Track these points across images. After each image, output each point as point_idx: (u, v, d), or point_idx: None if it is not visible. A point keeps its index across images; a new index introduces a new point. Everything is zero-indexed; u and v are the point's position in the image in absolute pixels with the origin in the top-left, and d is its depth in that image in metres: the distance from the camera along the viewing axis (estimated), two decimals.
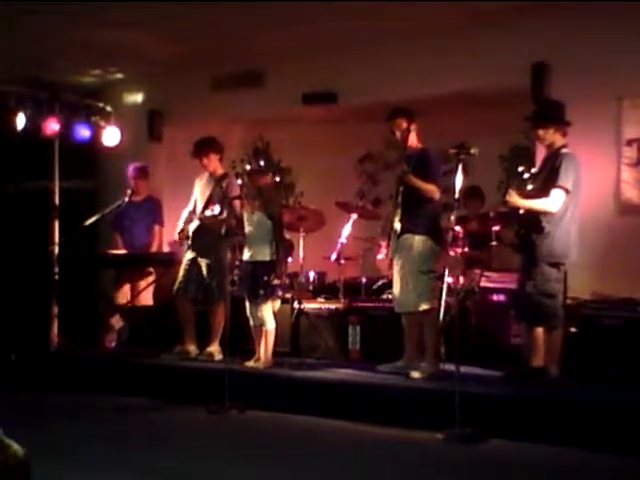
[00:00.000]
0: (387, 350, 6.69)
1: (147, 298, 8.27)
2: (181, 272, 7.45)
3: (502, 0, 6.62)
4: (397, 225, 6.25)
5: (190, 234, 7.37)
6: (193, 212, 7.48)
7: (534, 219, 5.74)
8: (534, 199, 5.79)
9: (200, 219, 7.30)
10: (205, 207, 7.31)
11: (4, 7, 6.74)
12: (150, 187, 8.54)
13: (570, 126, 5.90)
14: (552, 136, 5.86)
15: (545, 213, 5.70)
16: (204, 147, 7.38)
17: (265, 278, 6.75)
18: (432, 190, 6.14)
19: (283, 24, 7.38)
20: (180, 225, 7.49)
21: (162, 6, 6.86)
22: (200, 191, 7.47)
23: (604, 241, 6.58)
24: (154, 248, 8.37)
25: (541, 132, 5.90)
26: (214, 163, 7.40)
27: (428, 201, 6.18)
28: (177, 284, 7.45)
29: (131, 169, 8.38)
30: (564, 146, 5.86)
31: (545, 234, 5.71)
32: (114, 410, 6.60)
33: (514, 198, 5.73)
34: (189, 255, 7.42)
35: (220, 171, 7.44)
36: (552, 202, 5.69)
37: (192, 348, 7.44)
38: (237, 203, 6.99)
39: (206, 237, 7.26)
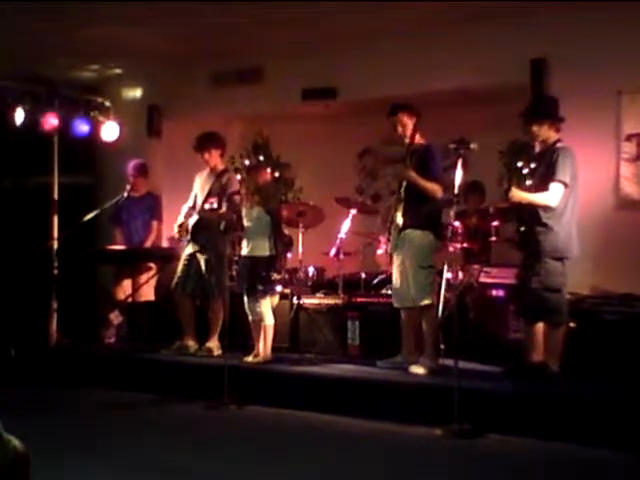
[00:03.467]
0: (386, 345, 6.69)
1: (148, 293, 8.27)
2: (180, 267, 7.45)
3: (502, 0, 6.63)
4: (399, 220, 6.24)
5: (190, 229, 7.37)
6: (193, 207, 7.47)
7: (535, 215, 5.74)
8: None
9: (199, 213, 7.29)
10: (204, 202, 7.31)
11: (3, 3, 6.72)
12: (149, 183, 8.53)
13: (564, 121, 5.90)
14: (546, 132, 5.86)
15: (545, 208, 5.70)
16: (206, 142, 7.37)
17: (264, 273, 6.75)
18: (434, 189, 6.12)
19: (283, 20, 7.37)
20: (179, 220, 7.49)
21: (162, 3, 6.84)
22: (200, 186, 7.47)
23: (603, 236, 6.59)
24: (149, 243, 8.37)
25: (535, 128, 5.89)
26: (215, 158, 7.39)
27: (431, 197, 6.18)
28: (175, 279, 7.45)
29: (130, 166, 8.38)
30: (558, 141, 5.86)
31: (548, 229, 5.71)
32: (113, 405, 6.61)
33: (515, 192, 5.73)
34: (188, 250, 7.42)
35: (221, 167, 7.45)
36: (551, 196, 5.69)
37: (191, 343, 7.44)
38: (236, 198, 6.99)
39: (205, 232, 7.26)
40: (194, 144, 7.41)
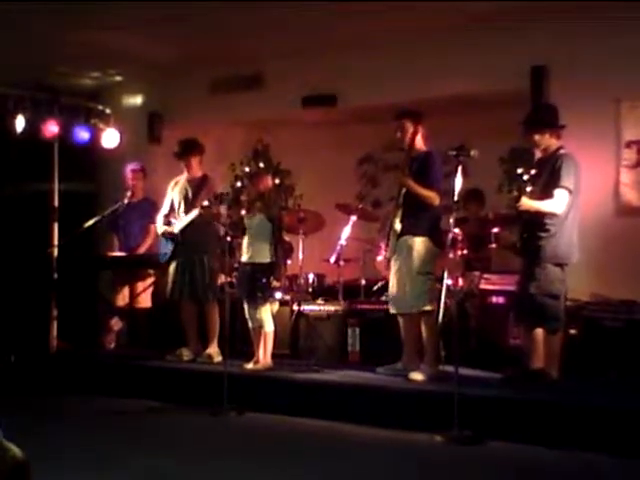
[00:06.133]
0: (386, 352, 6.67)
1: (146, 300, 8.26)
2: (171, 274, 7.42)
3: (502, 0, 6.63)
4: (397, 226, 6.25)
5: (177, 234, 7.36)
6: (168, 215, 7.48)
7: (538, 221, 5.74)
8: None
9: (201, 210, 7.24)
10: (192, 206, 7.29)
11: (4, 8, 6.73)
12: (147, 188, 8.53)
13: (564, 129, 5.90)
14: (547, 140, 5.88)
15: (551, 215, 5.70)
16: (190, 149, 7.43)
17: (264, 280, 6.75)
18: (431, 197, 6.14)
19: (283, 26, 7.38)
20: (161, 228, 7.49)
21: (162, 8, 6.86)
22: (178, 193, 7.47)
23: (603, 243, 6.58)
24: (146, 247, 8.34)
25: (537, 137, 5.90)
26: (194, 165, 7.44)
27: (428, 204, 6.18)
28: (169, 286, 7.42)
29: (128, 169, 8.38)
30: (560, 148, 5.86)
31: (550, 235, 5.71)
32: (113, 412, 6.59)
33: (525, 201, 5.71)
34: (178, 255, 7.39)
35: (199, 172, 7.48)
36: (557, 203, 5.69)
37: (194, 349, 7.43)
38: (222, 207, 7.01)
39: (194, 236, 7.27)
40: (177, 151, 7.46)
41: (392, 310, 6.36)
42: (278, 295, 6.98)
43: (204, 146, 7.55)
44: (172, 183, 7.58)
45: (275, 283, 6.80)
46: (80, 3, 6.67)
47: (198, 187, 7.35)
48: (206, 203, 7.08)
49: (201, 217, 7.21)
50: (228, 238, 6.73)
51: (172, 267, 7.43)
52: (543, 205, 5.72)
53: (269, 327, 6.82)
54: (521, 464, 4.90)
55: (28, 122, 7.91)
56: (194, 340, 7.49)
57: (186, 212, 7.32)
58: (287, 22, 7.23)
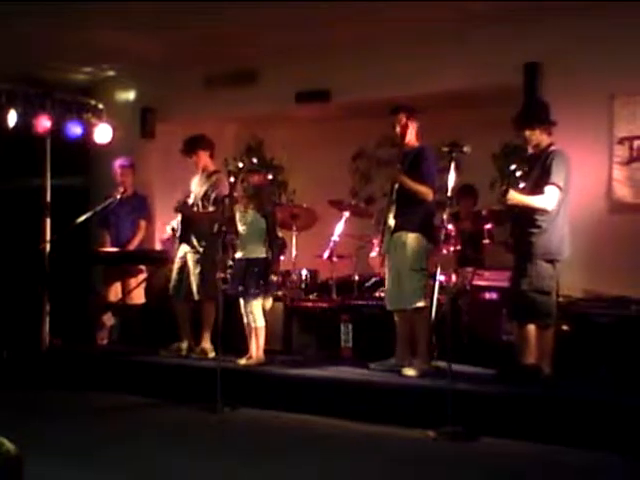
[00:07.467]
0: (379, 348, 6.68)
1: (138, 296, 8.25)
2: (174, 272, 7.44)
3: (496, 0, 6.64)
4: (391, 222, 6.25)
5: (179, 229, 7.37)
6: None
7: (529, 217, 5.75)
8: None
9: (176, 209, 7.29)
10: (184, 200, 7.33)
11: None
12: (137, 182, 8.50)
13: (555, 125, 5.91)
14: (538, 136, 5.88)
15: (542, 211, 5.71)
16: (193, 145, 7.43)
17: (258, 275, 6.74)
18: (425, 192, 6.14)
19: (277, 22, 7.37)
20: (173, 223, 7.51)
21: (155, 5, 6.84)
22: (195, 188, 7.49)
23: (596, 239, 6.60)
24: (136, 242, 8.33)
25: (528, 133, 5.90)
26: (204, 160, 7.44)
27: (422, 200, 6.19)
28: (172, 284, 7.43)
29: (117, 165, 8.35)
30: (551, 144, 5.87)
31: (541, 231, 5.72)
32: (106, 408, 6.58)
33: (513, 194, 5.73)
34: (180, 252, 7.41)
35: (211, 168, 7.47)
36: (547, 199, 5.70)
37: (186, 346, 7.43)
38: (226, 201, 7.00)
39: (195, 232, 7.26)
40: (182, 148, 7.46)
41: (388, 307, 6.36)
42: (273, 289, 6.97)
43: (211, 140, 7.52)
44: (193, 178, 7.56)
45: (272, 277, 6.79)
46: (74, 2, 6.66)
47: (203, 184, 7.35)
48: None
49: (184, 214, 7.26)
50: (222, 234, 6.72)
51: (175, 264, 7.45)
52: (533, 200, 5.73)
53: (260, 322, 6.81)
54: (513, 460, 4.91)
55: (20, 117, 7.87)
56: (188, 335, 7.49)
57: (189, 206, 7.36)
58: (281, 18, 7.22)
